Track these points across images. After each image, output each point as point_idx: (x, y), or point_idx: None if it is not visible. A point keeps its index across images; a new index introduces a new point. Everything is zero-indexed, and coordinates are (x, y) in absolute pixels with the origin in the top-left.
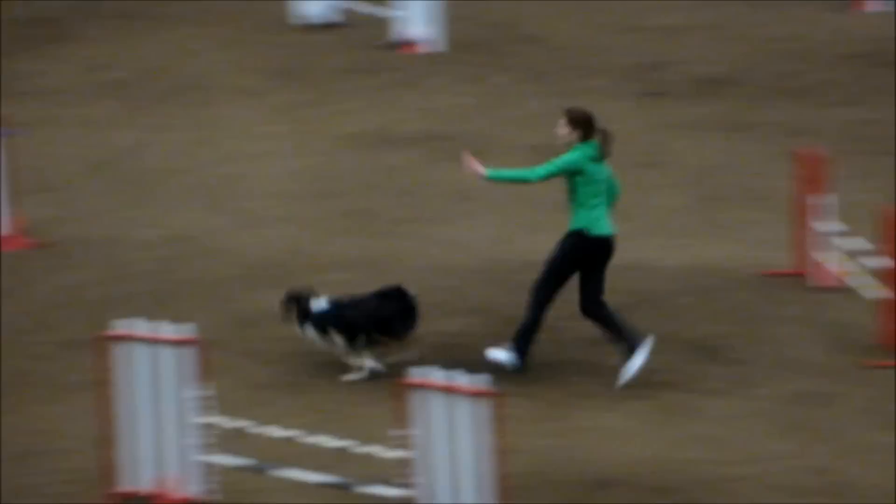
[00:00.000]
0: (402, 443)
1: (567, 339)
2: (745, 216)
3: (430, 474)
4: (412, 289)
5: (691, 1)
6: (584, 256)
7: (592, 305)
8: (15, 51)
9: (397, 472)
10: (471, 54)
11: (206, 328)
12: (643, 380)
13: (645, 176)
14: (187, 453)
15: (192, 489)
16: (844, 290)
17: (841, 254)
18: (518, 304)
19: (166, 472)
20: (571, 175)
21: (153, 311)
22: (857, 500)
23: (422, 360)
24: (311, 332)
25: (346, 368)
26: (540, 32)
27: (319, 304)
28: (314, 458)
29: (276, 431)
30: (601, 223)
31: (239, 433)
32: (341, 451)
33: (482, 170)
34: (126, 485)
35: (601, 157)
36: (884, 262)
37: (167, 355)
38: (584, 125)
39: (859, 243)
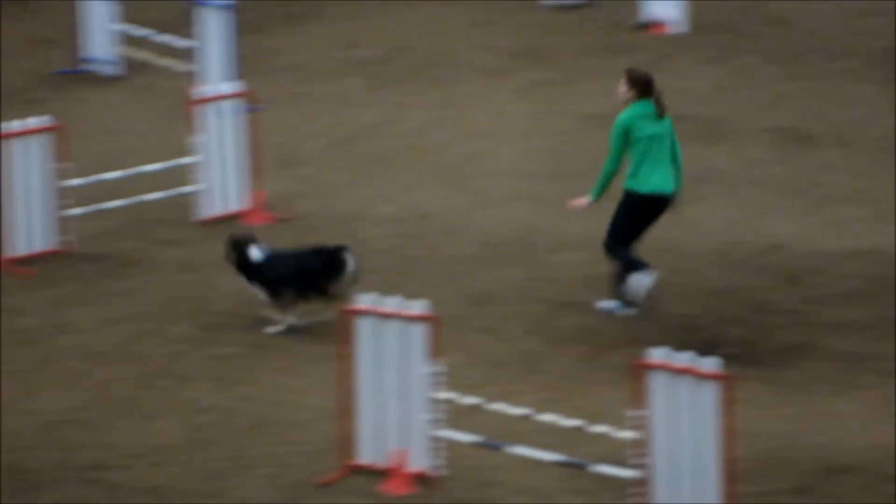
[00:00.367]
0: (637, 423)
1: (808, 323)
2: None
3: (662, 456)
4: (354, 250)
5: None
6: (638, 213)
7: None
8: (264, 27)
9: (631, 453)
10: (715, 35)
11: (442, 305)
12: (879, 367)
13: (885, 160)
14: (422, 428)
15: (426, 464)
16: None
17: None
18: (756, 288)
19: (401, 446)
20: (626, 135)
21: (391, 287)
22: None
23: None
24: (243, 280)
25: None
26: (785, 14)
27: (256, 253)
28: (546, 436)
29: (509, 409)
30: (651, 181)
31: (472, 410)
32: (574, 430)
33: (586, 199)
34: (362, 457)
35: (657, 115)
36: None
37: (404, 331)
38: (639, 85)
39: None
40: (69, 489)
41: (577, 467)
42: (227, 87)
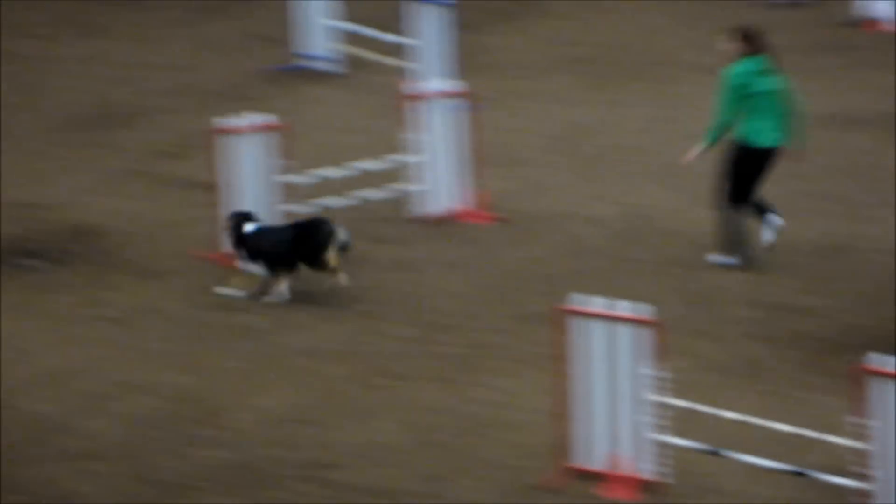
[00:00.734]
0: (859, 432)
1: None
2: None
3: (885, 466)
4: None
5: None
6: (748, 166)
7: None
8: (480, 25)
9: (854, 463)
10: None
11: (659, 307)
12: None
13: None
14: (641, 433)
15: (645, 469)
16: None
17: None
18: None
19: (619, 450)
20: (739, 90)
21: (607, 287)
22: None
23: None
24: (238, 253)
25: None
26: None
27: (248, 227)
28: (766, 443)
29: (729, 414)
30: (763, 135)
31: (691, 415)
32: (795, 438)
33: (697, 148)
34: (579, 461)
35: (769, 70)
36: None
37: (623, 333)
38: (749, 40)
39: None
40: (291, 486)
41: (799, 475)
42: (445, 85)
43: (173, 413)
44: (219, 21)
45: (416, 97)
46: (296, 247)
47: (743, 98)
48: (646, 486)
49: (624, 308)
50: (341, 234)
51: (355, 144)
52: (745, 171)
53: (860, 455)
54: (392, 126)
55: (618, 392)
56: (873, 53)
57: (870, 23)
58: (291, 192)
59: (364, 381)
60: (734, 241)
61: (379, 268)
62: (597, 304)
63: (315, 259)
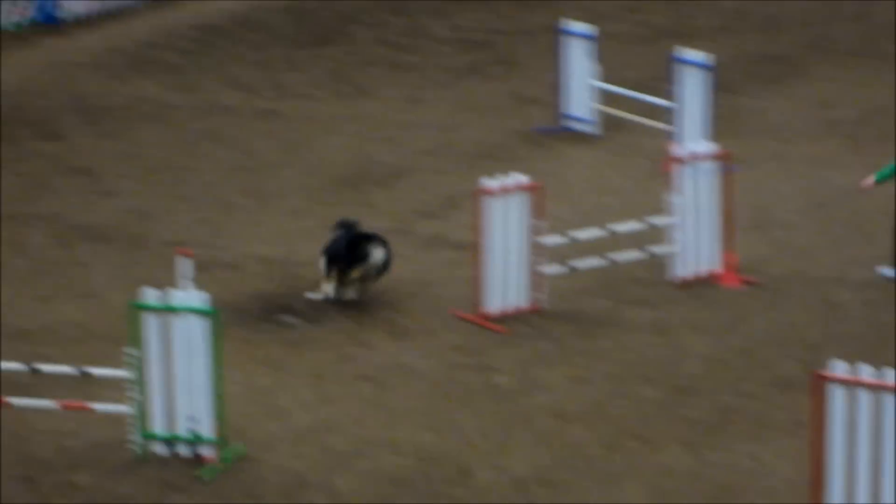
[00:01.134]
0: None
1: None
2: None
3: None
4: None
5: None
6: None
7: None
8: (741, 86)
9: None
10: None
11: None
12: None
13: None
14: None
15: None
16: None
17: None
18: None
19: None
20: None
21: (862, 353)
22: None
23: None
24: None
25: None
26: None
27: (336, 233)
28: None
29: None
30: None
31: None
32: None
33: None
34: None
35: None
36: None
37: (890, 402)
38: None
39: None
40: None
41: None
42: (701, 147)
43: (419, 471)
44: (484, 82)
45: (672, 159)
46: (344, 255)
47: None
48: None
49: (892, 376)
50: (377, 256)
51: (614, 206)
52: None
53: None
54: (651, 188)
55: (882, 462)
56: None
57: None
58: (547, 252)
59: (610, 443)
60: None
61: (628, 329)
62: (863, 371)
63: (345, 270)
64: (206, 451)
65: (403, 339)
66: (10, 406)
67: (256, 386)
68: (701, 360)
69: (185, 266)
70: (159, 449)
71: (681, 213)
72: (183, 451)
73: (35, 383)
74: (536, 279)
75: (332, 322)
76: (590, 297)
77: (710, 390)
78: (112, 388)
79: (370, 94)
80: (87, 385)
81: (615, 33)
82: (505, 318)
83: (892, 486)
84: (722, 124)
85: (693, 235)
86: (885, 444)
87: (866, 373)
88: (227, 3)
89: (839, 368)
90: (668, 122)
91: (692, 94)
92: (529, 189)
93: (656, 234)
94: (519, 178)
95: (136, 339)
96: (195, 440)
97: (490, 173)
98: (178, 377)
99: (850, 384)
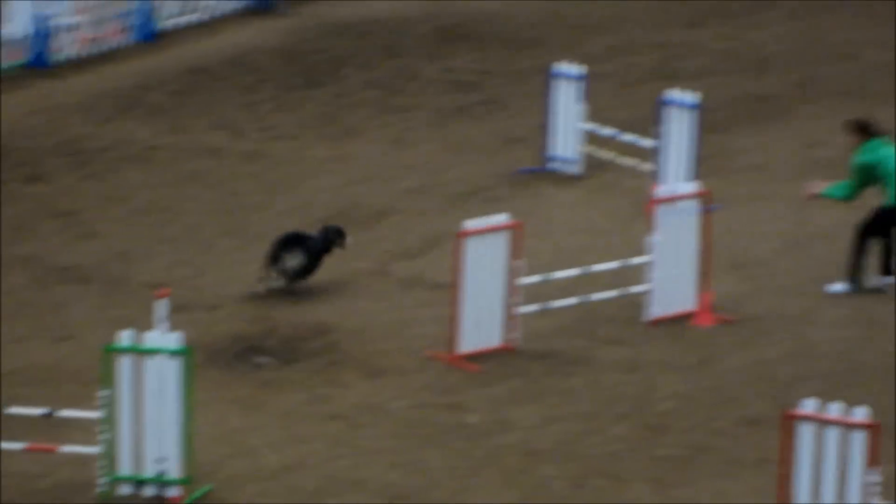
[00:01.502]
0: None
1: None
2: None
3: None
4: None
5: None
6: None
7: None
8: (728, 126)
9: None
10: None
11: (887, 413)
12: None
13: None
14: None
15: None
16: None
17: None
18: None
19: None
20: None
21: (837, 393)
22: None
23: None
24: None
25: None
26: None
27: None
28: None
29: None
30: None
31: None
32: None
33: (818, 188)
34: None
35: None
36: None
37: (856, 440)
38: (862, 131)
39: None
40: None
41: None
42: (684, 187)
43: None
44: (472, 124)
45: (652, 199)
46: (269, 252)
47: (879, 177)
48: None
49: (859, 414)
50: (289, 263)
51: (592, 246)
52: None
53: None
54: (631, 227)
55: (846, 499)
56: None
57: None
58: (523, 291)
59: (578, 481)
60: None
61: (602, 367)
62: (832, 409)
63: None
64: (173, 492)
65: (376, 379)
66: None
67: (227, 426)
68: (672, 398)
69: (161, 307)
70: (126, 490)
71: (656, 253)
72: (150, 492)
73: (8, 426)
74: (512, 319)
75: (306, 362)
76: (565, 336)
77: (681, 428)
78: (84, 430)
79: (358, 135)
80: (59, 427)
81: (603, 74)
82: (479, 358)
83: None
84: (707, 164)
85: (670, 274)
86: (850, 480)
87: (835, 410)
88: (218, 44)
89: (808, 406)
90: (654, 162)
91: (678, 134)
92: (508, 229)
93: (634, 274)
94: (499, 218)
95: (108, 380)
96: (162, 481)
97: (473, 214)
98: (148, 418)
99: (819, 422)
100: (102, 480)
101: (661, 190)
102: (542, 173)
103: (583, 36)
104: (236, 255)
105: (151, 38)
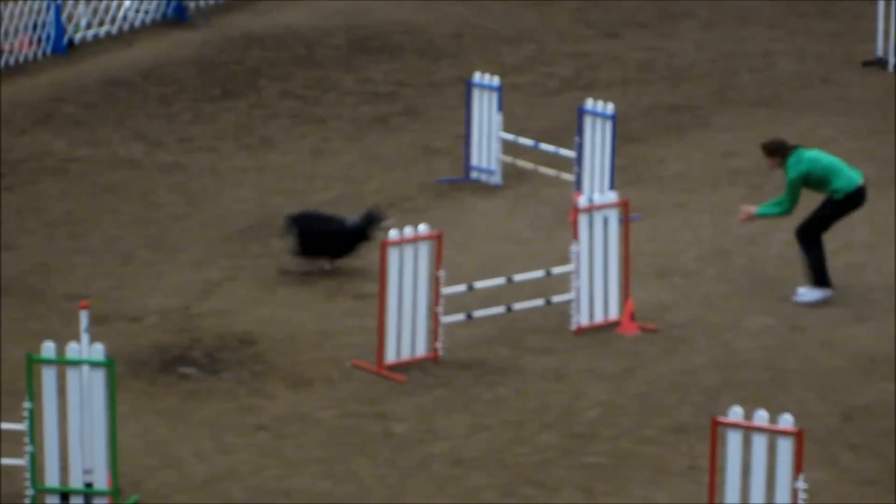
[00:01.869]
0: None
1: None
2: None
3: None
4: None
5: None
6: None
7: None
8: (647, 136)
9: None
10: None
11: (813, 419)
12: None
13: None
14: None
15: None
16: None
17: None
18: None
19: None
20: (805, 181)
21: (762, 400)
22: None
23: None
24: None
25: None
26: None
27: None
28: None
29: None
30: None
31: None
32: None
33: (752, 210)
34: None
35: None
36: None
37: (784, 446)
38: (779, 151)
39: None
40: None
41: None
42: (604, 196)
43: None
44: (391, 135)
45: (572, 208)
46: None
47: (814, 182)
48: None
49: (785, 421)
50: (287, 241)
51: (515, 255)
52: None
53: None
54: (554, 237)
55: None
56: None
57: None
58: (446, 301)
59: (506, 489)
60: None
61: (528, 376)
62: (759, 417)
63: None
64: (100, 503)
65: (302, 389)
66: None
67: (153, 437)
68: (599, 406)
69: (82, 318)
70: (53, 501)
71: (579, 262)
72: (76, 503)
73: None
74: (436, 328)
75: (231, 373)
76: (490, 345)
77: (609, 436)
78: (11, 443)
79: (275, 146)
80: None
81: (521, 84)
82: (405, 368)
83: None
84: (627, 174)
85: (592, 283)
86: (778, 487)
87: (761, 418)
88: (134, 56)
89: (735, 413)
90: (572, 171)
91: (596, 144)
92: (430, 239)
93: (557, 283)
94: (420, 228)
95: (32, 391)
96: (89, 492)
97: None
98: (73, 429)
99: (746, 429)
100: (29, 493)
101: (581, 199)
102: (463, 183)
103: (500, 46)
104: (156, 266)
105: (64, 50)
